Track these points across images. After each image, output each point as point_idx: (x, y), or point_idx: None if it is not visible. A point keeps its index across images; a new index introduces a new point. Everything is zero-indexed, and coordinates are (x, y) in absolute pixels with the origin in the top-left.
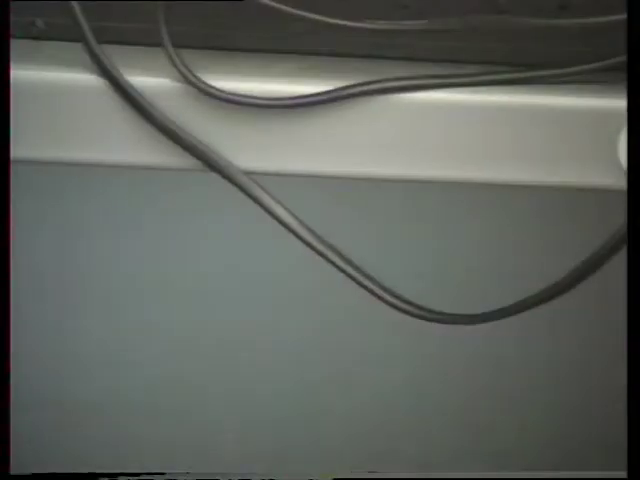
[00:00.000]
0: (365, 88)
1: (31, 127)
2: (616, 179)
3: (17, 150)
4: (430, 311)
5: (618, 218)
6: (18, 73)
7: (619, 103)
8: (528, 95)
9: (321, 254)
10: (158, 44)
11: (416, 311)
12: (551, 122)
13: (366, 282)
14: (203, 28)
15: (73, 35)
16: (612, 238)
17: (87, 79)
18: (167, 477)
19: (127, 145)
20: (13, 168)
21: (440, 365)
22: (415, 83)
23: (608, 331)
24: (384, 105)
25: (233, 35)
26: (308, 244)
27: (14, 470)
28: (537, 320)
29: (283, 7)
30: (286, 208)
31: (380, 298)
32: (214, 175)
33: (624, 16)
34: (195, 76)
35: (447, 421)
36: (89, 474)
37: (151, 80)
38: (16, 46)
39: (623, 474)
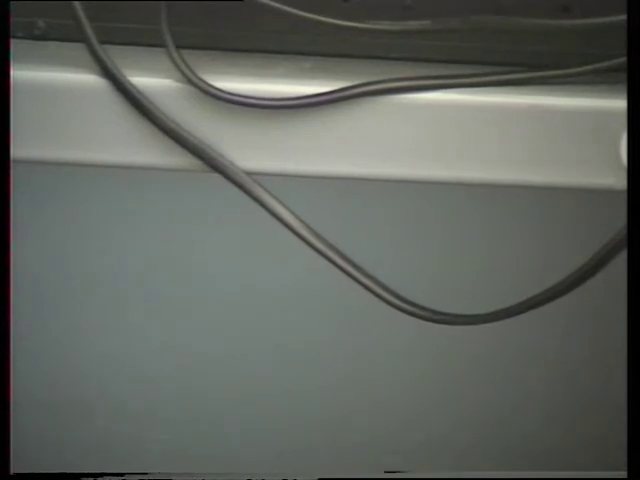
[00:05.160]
0: (367, 89)
1: (31, 127)
2: (618, 180)
3: (17, 150)
4: (431, 311)
5: (620, 219)
6: (18, 73)
7: (621, 104)
8: (530, 96)
9: (322, 254)
10: (160, 44)
11: (417, 311)
12: (552, 123)
13: (367, 282)
14: (205, 28)
15: (75, 35)
16: (614, 239)
17: (88, 79)
18: (168, 477)
19: (128, 145)
20: (13, 168)
21: (441, 366)
22: (417, 84)
23: (609, 331)
24: (386, 106)
25: (235, 35)
26: (309, 244)
27: (14, 470)
28: (538, 321)
29: (284, 7)
30: (288, 208)
31: (381, 298)
32: (215, 175)
33: (624, 16)
34: (197, 76)
35: (447, 421)
36: (90, 474)
37: (153, 80)
38: (16, 46)
39: (623, 474)
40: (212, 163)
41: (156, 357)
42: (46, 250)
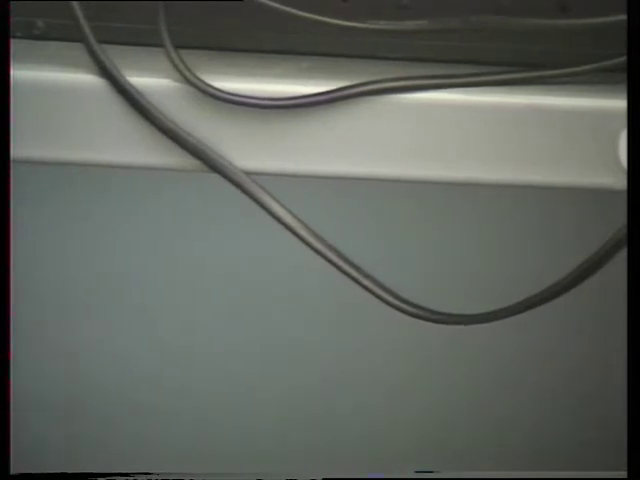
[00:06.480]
0: (365, 88)
1: (31, 127)
2: (617, 179)
3: (17, 150)
4: (430, 311)
5: (619, 218)
6: (18, 73)
7: (620, 104)
8: (529, 96)
9: (321, 254)
10: (158, 44)
11: (416, 311)
12: (551, 122)
13: (366, 282)
14: (203, 28)
15: (73, 35)
16: (612, 238)
17: (87, 79)
18: (169, 477)
19: (127, 145)
20: (13, 168)
21: (440, 365)
22: (415, 83)
23: (609, 331)
24: (384, 105)
25: (233, 35)
26: (308, 244)
27: (14, 470)
28: (537, 320)
29: (283, 7)
30: (286, 208)
31: (380, 298)
32: (214, 175)
33: (624, 16)
34: (195, 76)
35: (447, 420)
36: (90, 474)
37: (151, 80)
38: (16, 46)
39: (623, 474)
40: (211, 163)
41: (156, 357)
42: (46, 250)
